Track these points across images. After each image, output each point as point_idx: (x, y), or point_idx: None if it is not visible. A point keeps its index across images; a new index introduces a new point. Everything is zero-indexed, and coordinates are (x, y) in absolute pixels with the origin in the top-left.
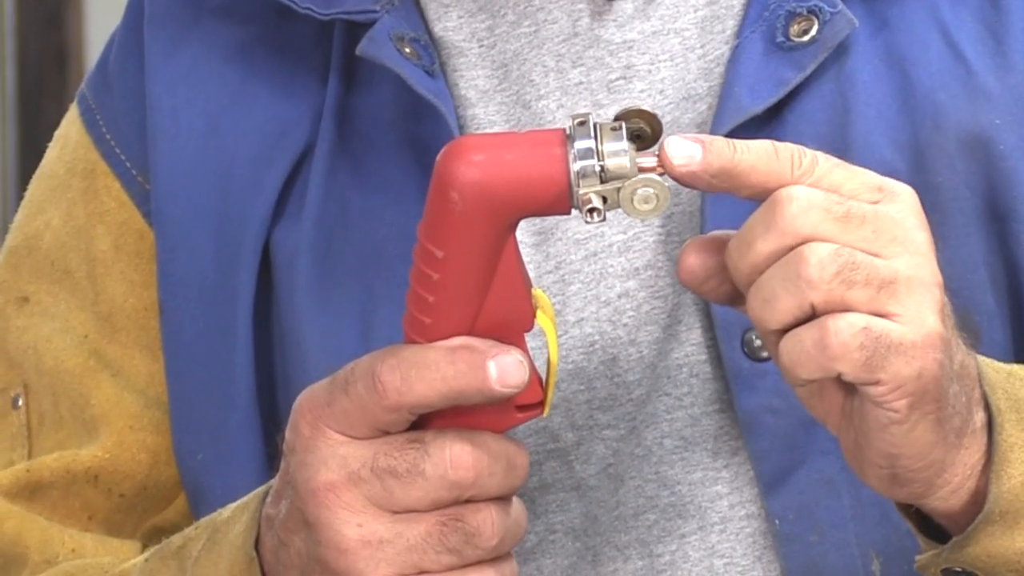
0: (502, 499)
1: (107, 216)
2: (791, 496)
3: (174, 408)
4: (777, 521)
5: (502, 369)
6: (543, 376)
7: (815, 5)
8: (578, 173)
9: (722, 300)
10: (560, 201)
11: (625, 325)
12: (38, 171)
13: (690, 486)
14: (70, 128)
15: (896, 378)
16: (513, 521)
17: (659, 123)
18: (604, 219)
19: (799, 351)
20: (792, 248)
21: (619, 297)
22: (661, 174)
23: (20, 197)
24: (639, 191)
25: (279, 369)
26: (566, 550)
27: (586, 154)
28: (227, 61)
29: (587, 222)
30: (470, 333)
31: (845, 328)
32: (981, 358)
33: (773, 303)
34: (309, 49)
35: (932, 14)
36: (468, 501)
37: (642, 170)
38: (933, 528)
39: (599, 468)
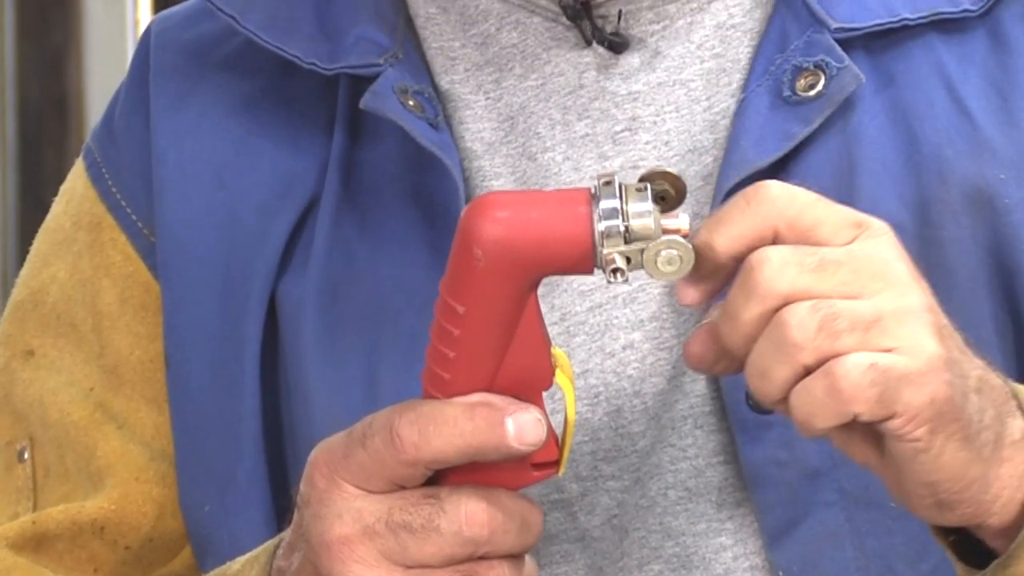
0: (515, 556)
1: (113, 269)
2: (795, 548)
3: (181, 460)
4: (781, 573)
5: (520, 427)
6: (559, 434)
7: (822, 60)
8: (603, 233)
9: (734, 371)
10: (584, 261)
11: (630, 377)
12: (44, 225)
13: (694, 537)
14: (76, 182)
15: (910, 408)
16: None
17: (683, 184)
18: (627, 280)
19: (811, 402)
20: (776, 310)
21: (624, 349)
22: (685, 236)
23: (20, 244)
24: (663, 253)
25: (285, 420)
26: None
27: (611, 214)
28: (233, 114)
29: (609, 282)
30: (489, 390)
31: (852, 369)
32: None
33: (769, 376)
34: (314, 102)
35: (938, 70)
36: (481, 558)
37: (666, 232)
38: (974, 562)
39: (603, 519)
